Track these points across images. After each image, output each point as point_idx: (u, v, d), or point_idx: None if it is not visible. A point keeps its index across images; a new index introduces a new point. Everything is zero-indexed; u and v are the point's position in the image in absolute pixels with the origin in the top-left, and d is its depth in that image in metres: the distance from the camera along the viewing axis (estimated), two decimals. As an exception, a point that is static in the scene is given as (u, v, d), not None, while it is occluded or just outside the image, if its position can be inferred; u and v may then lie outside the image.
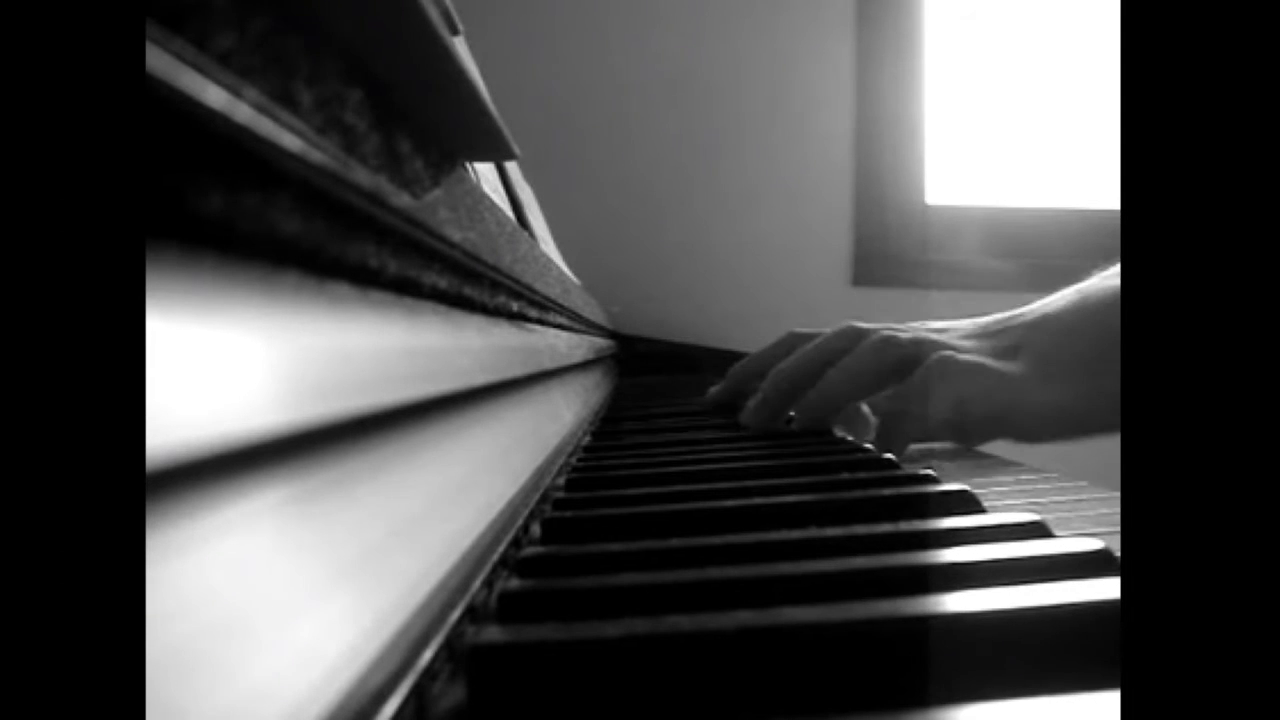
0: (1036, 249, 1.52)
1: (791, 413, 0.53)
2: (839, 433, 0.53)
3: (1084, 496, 0.39)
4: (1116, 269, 0.52)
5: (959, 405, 0.47)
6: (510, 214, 0.56)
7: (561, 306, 0.58)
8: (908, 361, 0.49)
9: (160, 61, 0.11)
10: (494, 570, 0.22)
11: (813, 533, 0.25)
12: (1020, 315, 0.52)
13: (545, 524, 0.29)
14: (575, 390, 0.58)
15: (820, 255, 1.54)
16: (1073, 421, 0.48)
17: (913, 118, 1.55)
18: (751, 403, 0.54)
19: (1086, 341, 0.48)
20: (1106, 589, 0.18)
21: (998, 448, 0.55)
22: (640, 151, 1.52)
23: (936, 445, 0.57)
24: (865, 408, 0.57)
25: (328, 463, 0.15)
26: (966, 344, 0.50)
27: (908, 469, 0.36)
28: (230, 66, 0.13)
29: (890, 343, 0.50)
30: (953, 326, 0.54)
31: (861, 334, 0.52)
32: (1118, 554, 0.20)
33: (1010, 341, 0.50)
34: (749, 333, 1.49)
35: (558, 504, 0.32)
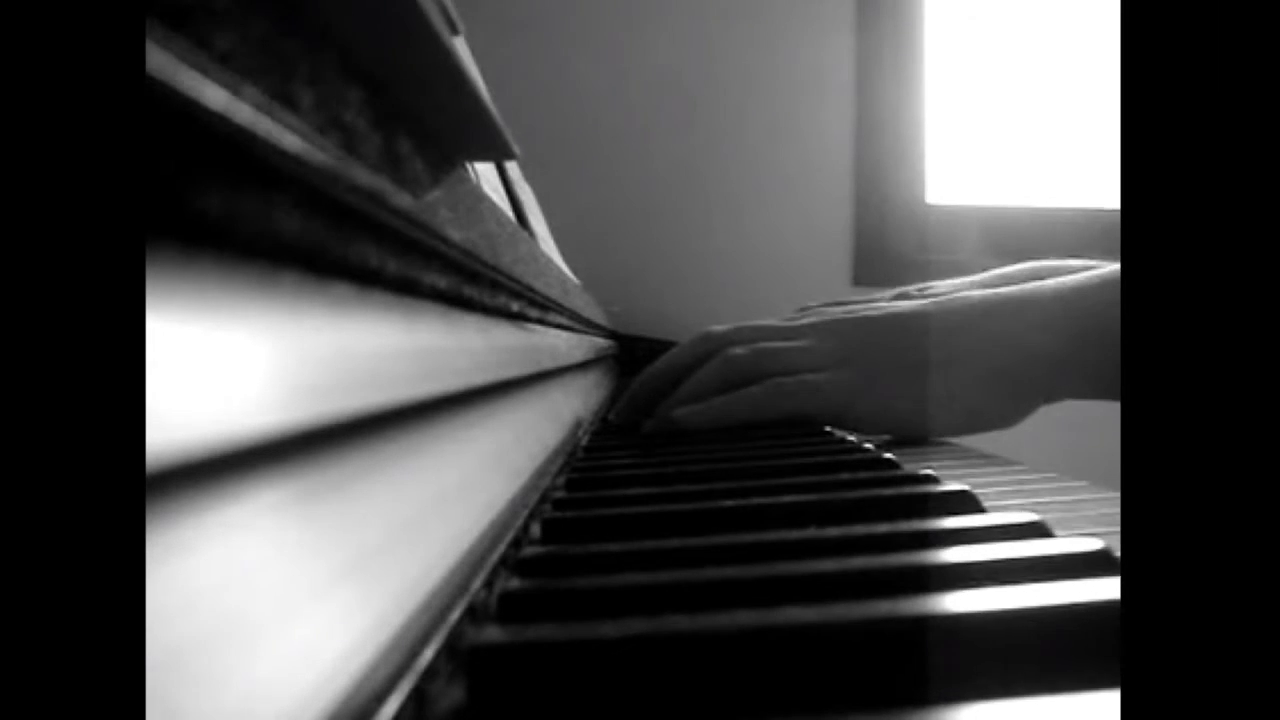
0: (1036, 249, 1.52)
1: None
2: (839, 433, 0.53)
3: (1084, 496, 0.39)
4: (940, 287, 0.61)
5: (790, 418, 0.55)
6: (510, 214, 0.56)
7: (561, 306, 0.58)
8: (747, 378, 0.56)
9: (160, 61, 0.11)
10: (494, 570, 0.22)
11: (812, 533, 0.25)
12: (854, 314, 0.59)
13: (545, 524, 0.29)
14: (575, 390, 0.58)
15: (820, 255, 1.54)
16: (902, 420, 0.56)
17: (913, 117, 1.54)
18: (621, 401, 0.61)
19: (908, 353, 0.56)
20: (1106, 589, 0.18)
21: (998, 446, 0.55)
22: (640, 151, 1.52)
23: (932, 445, 0.57)
24: None
25: (328, 462, 0.15)
26: (805, 346, 0.57)
27: (908, 469, 0.36)
28: (230, 66, 0.13)
29: (731, 363, 0.57)
30: (797, 325, 0.60)
31: (711, 344, 0.59)
32: (1118, 554, 0.20)
33: (842, 345, 0.57)
34: (749, 333, 1.49)
35: (558, 504, 0.32)
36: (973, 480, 0.34)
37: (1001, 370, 0.54)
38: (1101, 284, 0.53)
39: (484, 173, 0.55)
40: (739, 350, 0.58)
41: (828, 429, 0.55)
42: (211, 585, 0.11)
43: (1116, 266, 0.55)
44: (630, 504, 0.32)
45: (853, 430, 0.56)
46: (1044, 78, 1.64)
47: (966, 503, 0.29)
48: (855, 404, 0.55)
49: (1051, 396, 0.56)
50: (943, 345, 0.54)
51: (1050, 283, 0.55)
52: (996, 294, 0.56)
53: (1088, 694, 0.14)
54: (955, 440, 0.59)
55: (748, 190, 1.54)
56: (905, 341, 0.55)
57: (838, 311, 0.60)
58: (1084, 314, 0.52)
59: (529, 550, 0.25)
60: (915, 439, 0.58)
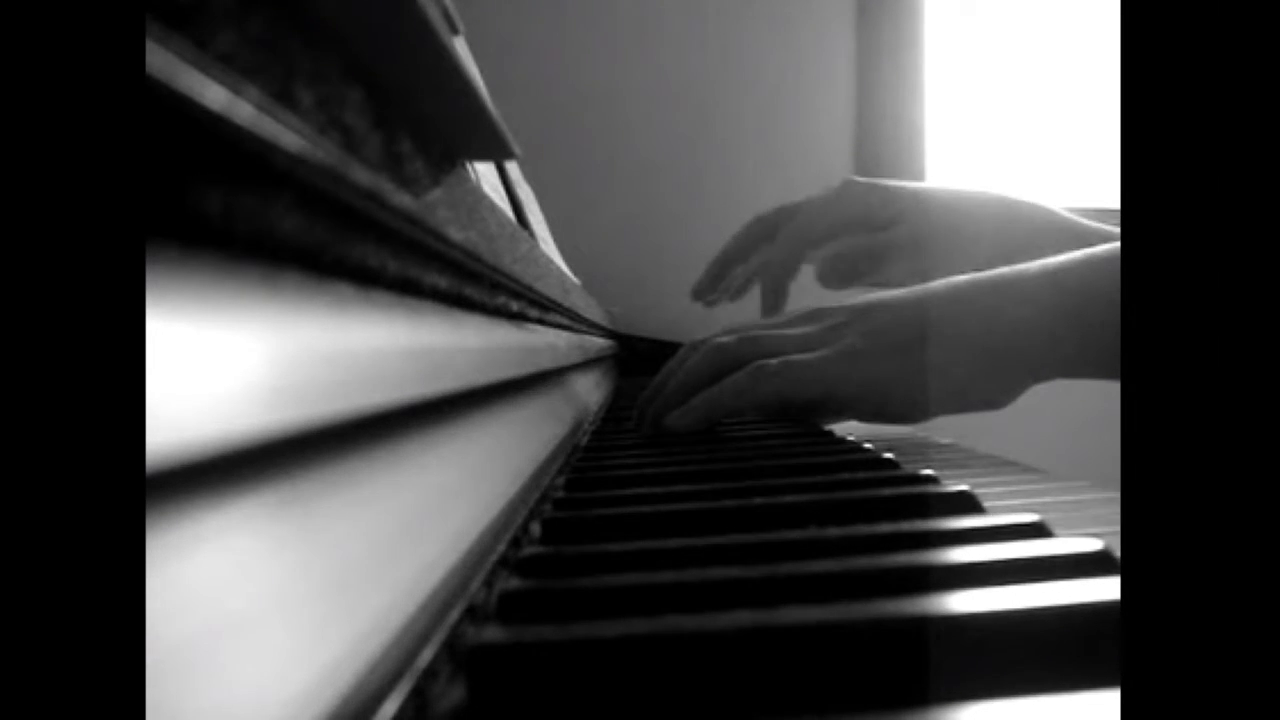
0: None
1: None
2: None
3: (1084, 496, 0.39)
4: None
5: (778, 400, 0.54)
6: (510, 214, 0.56)
7: (561, 306, 0.58)
8: (738, 363, 0.56)
9: (160, 61, 0.11)
10: (494, 570, 0.22)
11: (813, 533, 0.25)
12: (840, 302, 0.60)
13: (545, 524, 0.29)
14: (575, 390, 0.58)
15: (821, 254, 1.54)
16: (889, 399, 0.55)
17: (913, 117, 1.54)
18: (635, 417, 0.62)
19: (894, 333, 0.55)
20: (1106, 589, 0.18)
21: (999, 447, 0.55)
22: (640, 151, 1.53)
23: (933, 445, 0.57)
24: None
25: (329, 462, 0.15)
26: (792, 333, 0.57)
27: (908, 469, 0.36)
28: (230, 66, 0.13)
29: (718, 351, 0.57)
30: (785, 315, 0.61)
31: (699, 345, 0.59)
32: (1118, 554, 0.20)
33: (827, 328, 0.57)
34: (749, 332, 1.49)
35: (558, 504, 0.32)
36: (973, 480, 0.34)
37: (986, 346, 0.54)
38: (1086, 260, 0.53)
39: (484, 173, 0.55)
40: (725, 339, 0.58)
41: (827, 429, 0.55)
42: (212, 584, 0.11)
43: (1101, 247, 0.55)
44: (630, 504, 0.32)
45: (838, 413, 0.56)
46: (1043, 76, 1.64)
47: (967, 503, 0.29)
48: (841, 385, 0.54)
49: (1040, 375, 0.56)
50: (929, 324, 0.54)
51: (1034, 263, 0.55)
52: (982, 274, 0.56)
53: (1088, 694, 0.14)
54: (956, 441, 0.59)
55: (748, 189, 1.54)
56: (891, 321, 0.55)
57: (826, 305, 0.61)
58: (1067, 290, 0.53)
59: (529, 550, 0.25)
60: (904, 419, 0.58)
